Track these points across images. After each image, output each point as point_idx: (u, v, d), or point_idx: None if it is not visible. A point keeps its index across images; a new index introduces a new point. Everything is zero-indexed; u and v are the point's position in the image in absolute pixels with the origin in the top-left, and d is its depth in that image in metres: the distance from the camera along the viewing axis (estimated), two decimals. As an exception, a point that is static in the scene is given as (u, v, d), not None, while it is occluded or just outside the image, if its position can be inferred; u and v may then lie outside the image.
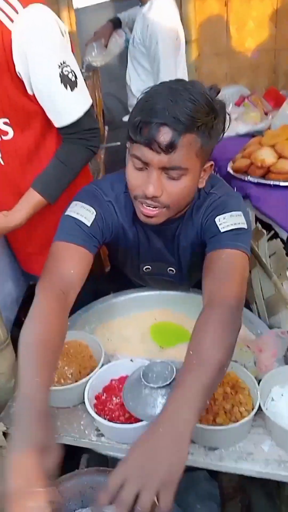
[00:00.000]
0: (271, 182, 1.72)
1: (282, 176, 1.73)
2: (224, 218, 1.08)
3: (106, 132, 3.07)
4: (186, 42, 3.14)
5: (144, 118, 0.93)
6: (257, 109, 2.59)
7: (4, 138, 1.19)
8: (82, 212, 1.09)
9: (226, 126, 1.03)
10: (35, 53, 1.08)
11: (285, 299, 1.23)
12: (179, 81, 1.00)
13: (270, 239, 1.38)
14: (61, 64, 1.12)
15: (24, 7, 1.05)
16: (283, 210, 1.53)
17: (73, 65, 1.16)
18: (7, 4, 1.05)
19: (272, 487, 1.54)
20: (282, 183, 1.71)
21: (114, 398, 1.02)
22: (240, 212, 1.09)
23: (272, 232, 1.41)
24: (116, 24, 2.64)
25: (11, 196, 1.28)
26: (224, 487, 1.21)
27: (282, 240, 1.35)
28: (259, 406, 0.94)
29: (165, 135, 0.92)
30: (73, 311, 1.39)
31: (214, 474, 1.50)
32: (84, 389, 1.02)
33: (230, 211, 1.08)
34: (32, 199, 1.23)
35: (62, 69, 1.12)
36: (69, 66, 1.14)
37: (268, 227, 1.46)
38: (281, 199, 1.61)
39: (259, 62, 3.40)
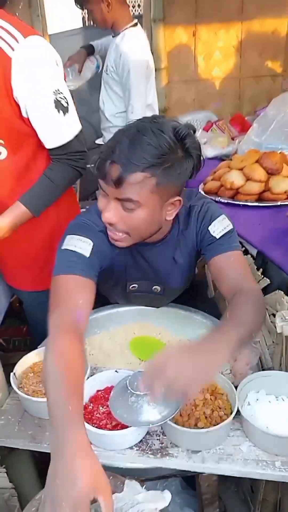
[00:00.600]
0: (240, 203, 1.83)
1: (250, 197, 1.84)
2: (215, 226, 1.21)
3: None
4: (156, 70, 3.28)
5: (103, 156, 1.03)
6: (225, 134, 2.73)
7: None
8: (80, 245, 1.14)
9: (201, 165, 1.10)
10: (33, 80, 1.16)
11: (257, 311, 1.32)
12: (151, 121, 1.05)
13: (242, 255, 1.47)
14: (56, 91, 1.21)
15: (24, 37, 1.14)
16: (251, 229, 1.62)
17: (66, 92, 1.25)
18: (8, 34, 1.13)
19: (246, 492, 1.61)
20: (250, 203, 1.82)
21: (100, 408, 1.07)
22: (223, 215, 1.23)
23: (243, 248, 1.51)
24: (89, 50, 2.76)
25: None
26: (202, 493, 1.26)
27: (252, 256, 1.45)
28: (237, 410, 1.01)
29: (114, 172, 1.01)
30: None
31: (190, 483, 1.56)
32: (71, 400, 1.07)
33: (216, 218, 1.22)
34: (17, 210, 1.29)
35: (56, 95, 1.21)
36: (62, 93, 1.23)
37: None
38: (250, 218, 1.71)
39: (225, 89, 3.59)
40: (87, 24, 3.11)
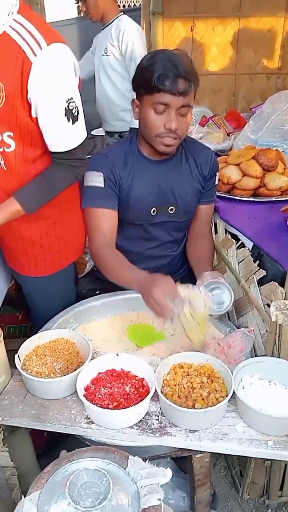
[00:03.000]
0: (236, 197, 1.88)
1: (246, 192, 1.89)
2: (218, 174, 1.66)
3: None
4: (154, 63, 3.31)
5: (165, 72, 1.32)
6: (220, 130, 2.77)
7: (7, 150, 1.28)
8: (94, 179, 1.50)
9: None
10: (48, 87, 1.18)
11: (252, 301, 1.38)
12: (163, 49, 1.49)
13: (238, 247, 1.52)
14: (69, 99, 1.23)
15: (48, 44, 1.15)
16: (247, 222, 1.67)
17: (78, 101, 1.27)
18: (33, 39, 1.14)
19: (235, 476, 1.68)
20: (246, 198, 1.87)
21: (102, 389, 1.11)
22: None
23: (240, 241, 1.56)
24: None
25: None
26: (195, 474, 1.32)
27: (248, 248, 1.50)
28: (233, 392, 1.06)
29: (181, 84, 1.33)
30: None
31: (182, 466, 1.62)
32: (73, 382, 1.12)
33: (218, 169, 1.67)
34: (11, 207, 1.30)
35: (68, 104, 1.23)
36: (74, 102, 1.24)
37: (235, 237, 1.60)
38: (246, 213, 1.76)
39: (220, 85, 3.63)
40: (82, 15, 3.19)
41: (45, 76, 1.16)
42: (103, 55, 2.76)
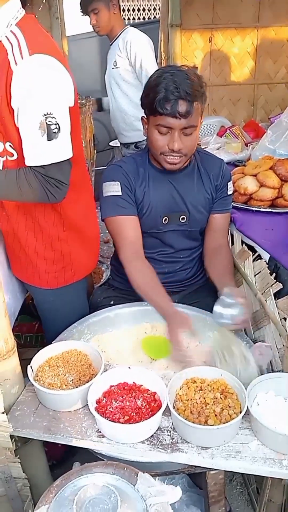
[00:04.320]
0: (253, 208, 1.86)
1: (263, 203, 1.86)
2: (230, 183, 1.64)
3: (95, 156, 3.21)
4: (172, 74, 3.32)
5: (165, 96, 1.33)
6: (238, 140, 2.75)
7: (10, 158, 1.29)
8: (112, 188, 1.53)
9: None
10: (25, 98, 1.15)
11: (268, 315, 1.35)
12: (171, 66, 1.45)
13: (255, 259, 1.50)
14: (47, 114, 1.16)
15: (30, 55, 1.14)
16: (264, 234, 1.65)
17: (61, 118, 1.19)
18: (18, 48, 1.15)
19: (252, 493, 1.63)
20: (263, 209, 1.84)
21: (114, 402, 1.10)
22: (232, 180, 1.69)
23: (257, 253, 1.53)
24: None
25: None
26: (209, 491, 1.29)
27: (265, 260, 1.47)
28: (247, 409, 1.04)
29: (182, 106, 1.34)
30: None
31: (197, 482, 1.58)
32: (85, 394, 1.11)
33: (230, 179, 1.65)
34: None
35: (46, 118, 1.16)
36: (55, 118, 1.17)
37: (252, 249, 1.58)
38: (262, 224, 1.74)
39: (239, 95, 3.61)
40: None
41: (23, 86, 1.15)
42: (113, 68, 2.82)
